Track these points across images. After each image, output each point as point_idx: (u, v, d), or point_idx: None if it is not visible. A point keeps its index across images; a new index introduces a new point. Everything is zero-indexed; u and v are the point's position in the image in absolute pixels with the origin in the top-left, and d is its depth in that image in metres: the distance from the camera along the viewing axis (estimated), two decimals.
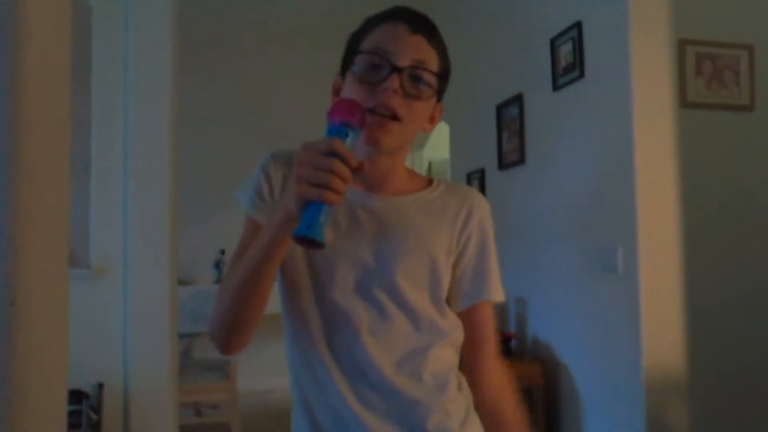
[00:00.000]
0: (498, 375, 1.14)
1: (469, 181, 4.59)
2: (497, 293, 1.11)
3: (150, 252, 2.53)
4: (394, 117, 0.95)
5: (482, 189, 4.37)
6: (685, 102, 2.99)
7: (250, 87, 5.75)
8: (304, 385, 1.03)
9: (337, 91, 1.05)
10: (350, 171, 0.83)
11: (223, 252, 5.51)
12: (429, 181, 1.13)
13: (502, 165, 4.06)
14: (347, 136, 0.87)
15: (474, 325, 1.11)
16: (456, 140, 4.95)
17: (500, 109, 4.09)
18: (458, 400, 1.07)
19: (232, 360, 3.88)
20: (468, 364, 1.13)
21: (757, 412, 3.01)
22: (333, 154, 0.82)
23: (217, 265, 5.54)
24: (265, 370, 5.57)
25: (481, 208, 1.11)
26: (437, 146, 5.76)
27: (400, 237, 1.02)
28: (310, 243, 0.83)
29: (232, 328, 0.97)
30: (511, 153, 3.96)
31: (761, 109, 3.12)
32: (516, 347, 3.82)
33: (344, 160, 0.82)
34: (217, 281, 5.49)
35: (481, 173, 4.37)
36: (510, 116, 3.98)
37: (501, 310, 4.05)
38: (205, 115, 5.60)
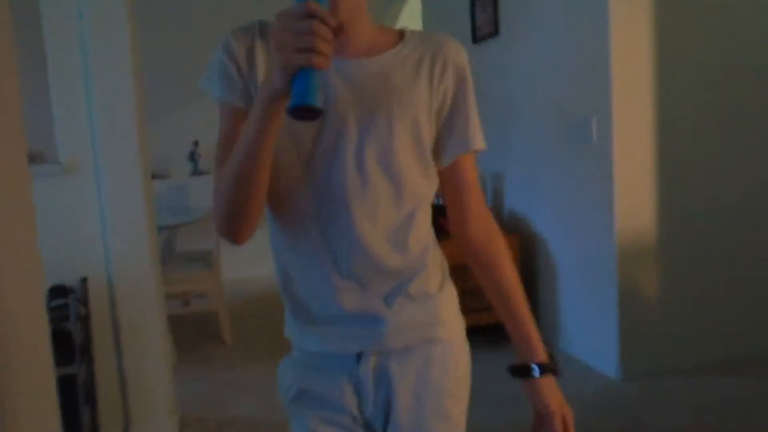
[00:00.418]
0: (486, 223, 1.13)
1: None
2: (477, 142, 1.07)
3: (119, 147, 2.49)
4: None
5: None
6: None
7: None
8: (287, 263, 1.05)
9: None
10: (331, 32, 0.80)
11: (196, 143, 5.46)
12: (400, 35, 1.07)
13: (476, 38, 3.97)
14: None
15: (458, 178, 1.09)
16: (428, 15, 4.80)
17: None
18: (435, 262, 1.10)
19: (214, 250, 3.94)
20: (454, 216, 1.13)
21: (725, 275, 3.16)
22: (310, 15, 0.78)
23: (192, 157, 5.50)
24: (249, 258, 5.66)
25: (457, 56, 1.06)
26: (410, 21, 5.58)
27: (380, 102, 0.99)
28: (308, 112, 0.79)
29: (240, 218, 0.96)
30: (485, 25, 3.86)
31: None
32: None
33: (323, 21, 0.79)
34: (194, 173, 5.47)
35: None
36: None
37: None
38: (170, 4, 5.35)
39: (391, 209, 1.01)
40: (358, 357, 1.04)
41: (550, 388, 1.13)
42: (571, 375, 3.14)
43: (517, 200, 3.78)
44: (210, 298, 4.12)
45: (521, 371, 1.14)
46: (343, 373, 1.05)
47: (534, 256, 3.64)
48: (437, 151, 1.06)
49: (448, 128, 1.05)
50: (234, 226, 0.97)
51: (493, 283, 1.14)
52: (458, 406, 1.11)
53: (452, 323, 1.12)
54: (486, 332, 3.71)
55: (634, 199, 2.98)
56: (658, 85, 2.96)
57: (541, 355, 1.13)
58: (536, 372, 1.12)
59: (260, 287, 5.35)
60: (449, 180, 1.09)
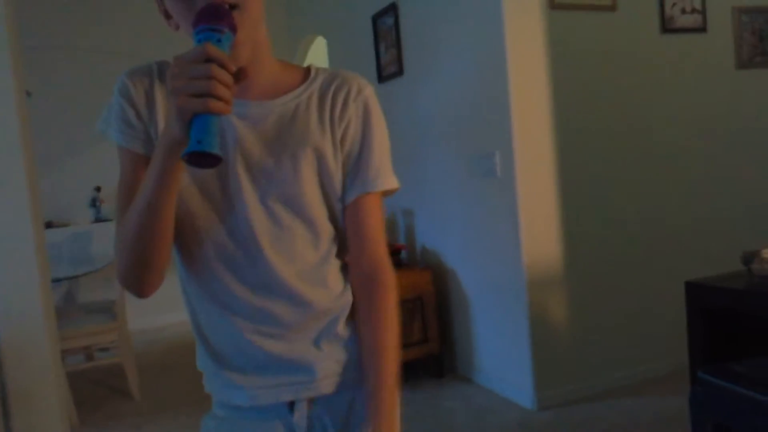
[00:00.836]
0: (372, 275, 1.03)
1: None
2: (380, 182, 1.03)
3: (7, 197, 2.36)
4: (232, 6, 0.87)
5: None
6: (552, 4, 3.05)
7: (107, 9, 5.33)
8: (200, 315, 1.01)
9: (166, 13, 0.96)
10: (230, 76, 0.77)
11: (98, 189, 5.26)
12: (306, 72, 1.05)
13: (382, 77, 4.04)
14: (219, 41, 0.80)
15: (356, 220, 1.03)
16: (334, 54, 4.85)
17: (376, 20, 4.02)
18: (350, 302, 1.05)
19: (118, 300, 3.77)
20: (350, 253, 1.07)
21: (629, 299, 3.29)
22: (208, 59, 0.76)
23: (94, 203, 5.29)
24: (157, 306, 5.47)
25: (361, 92, 1.03)
26: (316, 62, 5.63)
27: (284, 145, 0.97)
28: (205, 159, 0.76)
29: (144, 270, 0.92)
30: (390, 65, 3.94)
31: (622, 9, 3.25)
32: (406, 258, 3.93)
33: (222, 65, 0.76)
34: (96, 221, 5.25)
35: None
36: (386, 27, 3.93)
37: (390, 223, 4.14)
38: (63, 44, 5.17)
39: (308, 249, 0.99)
40: (290, 405, 1.01)
41: None
42: (489, 408, 3.17)
43: (428, 235, 3.83)
44: (115, 351, 3.92)
45: None
46: (276, 425, 1.01)
47: (447, 290, 3.68)
48: (342, 190, 1.03)
49: (351, 166, 1.02)
50: (138, 278, 0.93)
51: (362, 333, 1.04)
52: None
53: None
54: (404, 369, 3.71)
55: (540, 230, 3.07)
56: (557, 119, 3.08)
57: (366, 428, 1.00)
58: None
59: (170, 336, 5.15)
60: (348, 220, 1.04)
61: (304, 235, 0.98)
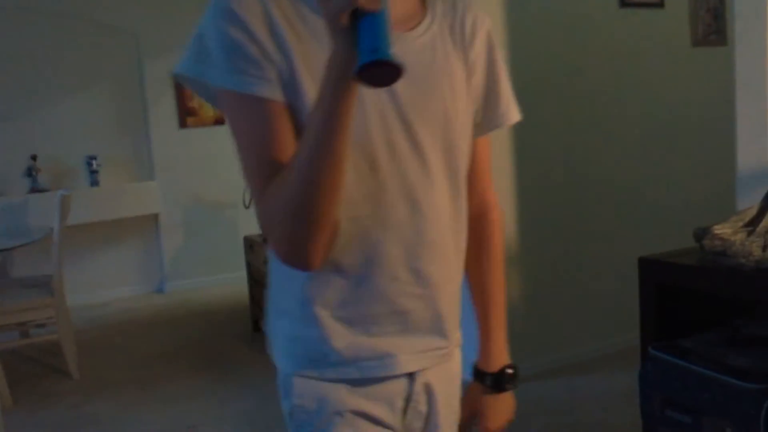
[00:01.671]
0: (482, 209, 1.05)
1: None
2: (509, 116, 1.02)
3: None
4: None
5: None
6: None
7: None
8: (330, 273, 0.87)
9: None
10: None
11: (34, 158, 5.04)
12: (423, 2, 0.94)
13: None
14: None
15: (473, 157, 0.99)
16: None
17: None
18: None
19: (55, 274, 3.64)
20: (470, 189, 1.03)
21: (581, 277, 3.33)
22: None
23: (30, 173, 5.08)
24: (96, 282, 5.33)
25: (484, 20, 0.98)
26: None
27: (433, 82, 0.89)
28: (382, 71, 0.65)
29: (317, 230, 0.78)
30: None
31: None
32: None
33: None
34: (32, 191, 5.05)
35: None
36: None
37: None
38: (17, 3, 4.91)
39: (450, 208, 0.93)
40: (410, 374, 0.94)
41: (472, 394, 1.09)
42: None
43: None
44: (52, 327, 3.79)
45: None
46: (396, 393, 0.94)
47: None
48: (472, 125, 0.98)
49: (483, 99, 0.99)
50: (309, 243, 0.79)
51: (471, 270, 1.07)
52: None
53: None
54: None
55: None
56: (515, 94, 3.06)
57: (483, 361, 1.08)
58: (471, 373, 1.10)
59: (112, 312, 5.02)
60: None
61: (443, 182, 0.91)
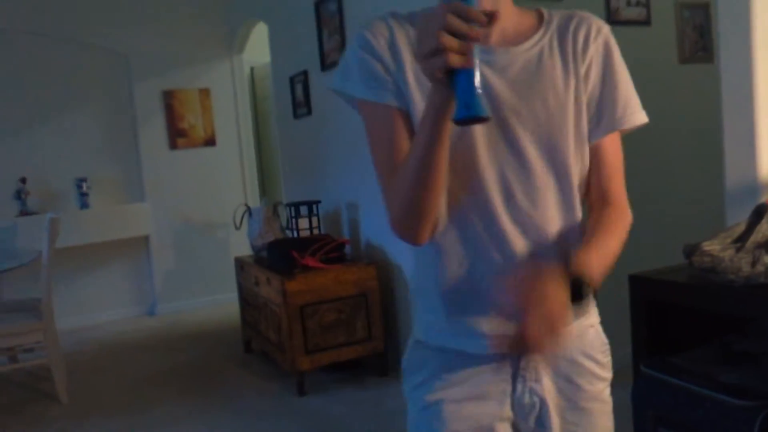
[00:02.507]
0: (619, 203, 1.09)
1: (292, 85, 4.47)
2: (626, 119, 1.05)
3: None
4: None
5: (306, 93, 4.28)
6: None
7: None
8: (444, 261, 1.02)
9: None
10: (466, 24, 0.76)
11: (23, 180, 5.03)
12: (540, 15, 1.06)
13: (325, 65, 3.98)
14: None
15: (597, 159, 1.06)
16: (276, 42, 4.77)
17: (318, 6, 3.96)
18: None
19: (44, 298, 3.62)
20: (588, 195, 1.09)
21: None
22: (444, 12, 0.76)
23: (19, 195, 5.06)
24: (87, 305, 5.30)
25: (600, 31, 1.05)
26: (258, 50, 5.52)
27: (537, 94, 0.98)
28: (473, 120, 0.79)
29: (420, 219, 0.95)
30: (333, 52, 3.88)
31: None
32: (350, 253, 3.90)
33: (459, 14, 0.76)
34: (21, 213, 5.03)
35: (304, 76, 4.27)
36: (328, 13, 3.88)
37: (334, 217, 4.09)
38: (4, 26, 4.93)
39: (555, 201, 1.01)
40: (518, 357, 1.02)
41: (548, 272, 0.93)
42: None
43: (373, 230, 3.80)
44: (41, 351, 3.76)
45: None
46: (503, 375, 1.03)
47: (393, 286, 3.66)
48: (588, 130, 1.04)
49: (596, 106, 1.04)
50: (415, 227, 0.96)
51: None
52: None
53: None
54: (346, 368, 3.68)
55: None
56: None
57: (575, 265, 0.94)
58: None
59: (101, 336, 4.99)
60: (591, 160, 1.06)
61: (547, 179, 1.00)
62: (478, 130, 0.97)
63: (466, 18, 0.76)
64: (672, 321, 1.79)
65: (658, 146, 3.59)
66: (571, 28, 1.04)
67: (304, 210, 3.87)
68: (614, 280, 2.95)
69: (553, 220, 1.01)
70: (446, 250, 1.01)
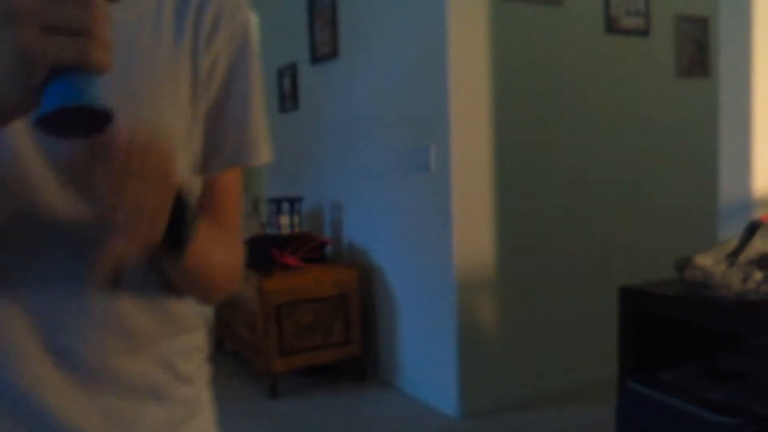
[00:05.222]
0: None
1: (280, 78, 4.47)
2: (257, 152, 0.76)
3: None
4: None
5: (294, 86, 4.29)
6: None
7: None
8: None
9: None
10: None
11: None
12: None
13: (315, 58, 3.99)
14: None
15: (213, 199, 0.76)
16: (265, 32, 4.77)
17: None
18: None
19: None
20: None
21: (563, 306, 3.37)
22: None
23: None
24: None
25: (238, 8, 0.73)
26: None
27: (129, 86, 0.65)
28: (77, 120, 0.49)
29: None
30: (324, 45, 3.90)
31: (568, 5, 3.32)
32: (332, 253, 3.90)
33: None
34: None
35: (293, 68, 4.28)
36: (322, 5, 3.89)
37: (316, 214, 4.10)
38: None
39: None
40: None
41: None
42: (411, 415, 3.17)
43: (356, 231, 3.81)
44: None
45: None
46: None
47: (373, 289, 3.67)
48: (202, 156, 0.74)
49: (218, 123, 0.73)
50: None
51: None
52: None
53: None
54: (321, 372, 3.68)
55: (473, 230, 3.10)
56: (497, 115, 3.12)
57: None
58: None
59: None
60: (204, 199, 0.76)
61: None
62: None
63: None
64: (660, 335, 1.82)
65: (653, 158, 3.65)
66: None
67: (285, 206, 3.87)
68: (602, 292, 2.98)
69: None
70: None
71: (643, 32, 3.57)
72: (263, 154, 0.77)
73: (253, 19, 0.70)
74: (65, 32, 0.46)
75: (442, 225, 3.11)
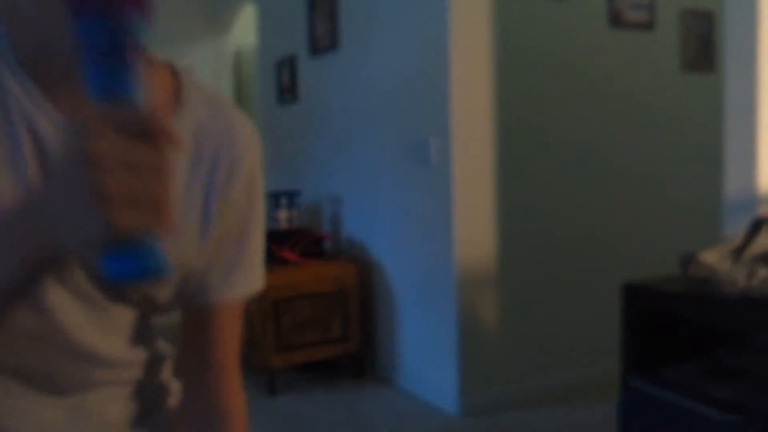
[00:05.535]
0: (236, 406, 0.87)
1: (279, 70, 4.45)
2: (252, 282, 0.79)
3: None
4: None
5: (293, 78, 4.27)
6: None
7: None
8: None
9: None
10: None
11: None
12: (176, 87, 0.72)
13: (314, 50, 3.97)
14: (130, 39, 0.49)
15: (205, 335, 0.82)
16: (264, 24, 4.74)
17: None
18: None
19: None
20: (192, 379, 0.87)
21: (566, 302, 3.35)
22: (155, 136, 0.47)
23: None
24: None
25: (249, 152, 0.76)
26: (245, 31, 5.49)
27: None
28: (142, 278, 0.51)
29: None
30: (324, 37, 3.87)
31: None
32: (331, 248, 3.88)
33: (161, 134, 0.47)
34: None
35: (292, 61, 4.25)
36: None
37: (315, 209, 4.08)
38: None
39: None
40: None
41: None
42: (410, 413, 3.16)
43: (355, 225, 3.79)
44: None
45: None
46: None
47: (372, 284, 3.66)
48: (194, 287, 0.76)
49: (219, 258, 0.76)
50: None
51: None
52: None
53: None
54: (319, 368, 3.67)
55: (474, 225, 3.08)
56: (499, 108, 3.10)
57: None
58: None
59: None
60: (191, 331, 0.81)
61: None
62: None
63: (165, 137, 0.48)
64: (663, 332, 1.81)
65: (657, 153, 3.63)
66: (214, 131, 0.73)
67: (283, 200, 3.85)
68: (605, 289, 2.97)
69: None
70: None
71: (648, 26, 3.54)
72: (253, 284, 0.80)
73: (259, 152, 0.72)
74: (144, 206, 0.47)
75: (442, 220, 3.09)
